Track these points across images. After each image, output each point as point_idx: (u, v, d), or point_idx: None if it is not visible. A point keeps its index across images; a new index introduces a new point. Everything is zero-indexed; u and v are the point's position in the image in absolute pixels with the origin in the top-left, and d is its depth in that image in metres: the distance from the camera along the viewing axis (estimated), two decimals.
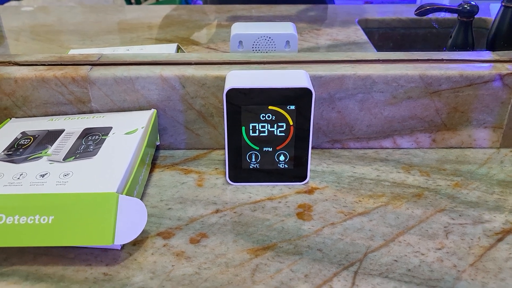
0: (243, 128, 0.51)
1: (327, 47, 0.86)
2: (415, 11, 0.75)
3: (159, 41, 0.91)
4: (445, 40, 1.04)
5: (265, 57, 0.61)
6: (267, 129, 0.51)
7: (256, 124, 0.51)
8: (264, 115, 0.50)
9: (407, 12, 1.07)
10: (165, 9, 1.17)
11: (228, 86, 0.49)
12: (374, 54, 0.60)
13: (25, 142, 0.52)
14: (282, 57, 0.60)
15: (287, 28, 0.64)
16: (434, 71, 0.57)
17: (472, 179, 0.55)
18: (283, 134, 0.51)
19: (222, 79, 0.56)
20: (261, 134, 0.51)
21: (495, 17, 0.73)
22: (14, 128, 0.55)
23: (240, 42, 0.63)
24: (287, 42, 0.63)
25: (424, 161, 0.59)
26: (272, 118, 0.50)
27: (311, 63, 0.59)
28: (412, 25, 1.04)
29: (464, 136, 0.60)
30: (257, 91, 0.49)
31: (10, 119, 0.58)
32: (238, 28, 0.64)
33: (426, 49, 1.04)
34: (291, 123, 0.51)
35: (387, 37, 1.05)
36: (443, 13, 0.77)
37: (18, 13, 1.16)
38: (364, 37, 0.93)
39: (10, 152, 0.50)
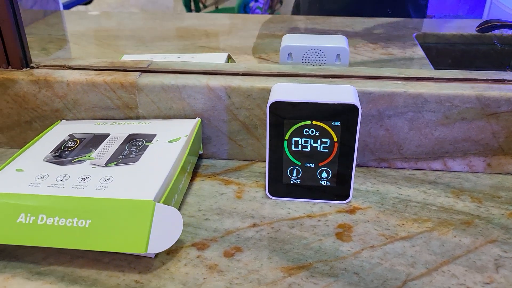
0: (285, 142, 0.50)
1: (380, 62, 0.84)
2: (477, 27, 0.71)
3: (212, 49, 0.92)
4: (509, 58, 0.99)
5: (314, 70, 0.59)
6: (310, 144, 0.50)
7: (299, 139, 0.50)
8: (308, 130, 0.49)
9: (470, 28, 1.03)
10: (223, 17, 1.18)
11: (272, 98, 0.48)
12: (428, 72, 0.58)
13: (72, 145, 0.53)
14: (331, 71, 0.59)
15: (339, 42, 0.63)
16: (493, 92, 0.53)
17: None
18: (327, 150, 0.50)
19: (268, 91, 0.55)
20: (303, 149, 0.50)
21: None
22: (63, 130, 0.57)
23: (290, 54, 0.62)
24: (338, 55, 0.62)
25: (477, 187, 0.55)
26: (316, 133, 0.49)
27: (361, 78, 0.57)
28: (474, 41, 0.99)
29: None
30: (301, 105, 0.48)
31: (61, 121, 0.60)
32: (289, 40, 0.63)
33: (488, 67, 1.00)
34: (335, 139, 0.49)
35: (446, 53, 1.01)
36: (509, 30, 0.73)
37: (83, 17, 1.21)
38: (421, 53, 0.90)
39: (56, 154, 0.52)
